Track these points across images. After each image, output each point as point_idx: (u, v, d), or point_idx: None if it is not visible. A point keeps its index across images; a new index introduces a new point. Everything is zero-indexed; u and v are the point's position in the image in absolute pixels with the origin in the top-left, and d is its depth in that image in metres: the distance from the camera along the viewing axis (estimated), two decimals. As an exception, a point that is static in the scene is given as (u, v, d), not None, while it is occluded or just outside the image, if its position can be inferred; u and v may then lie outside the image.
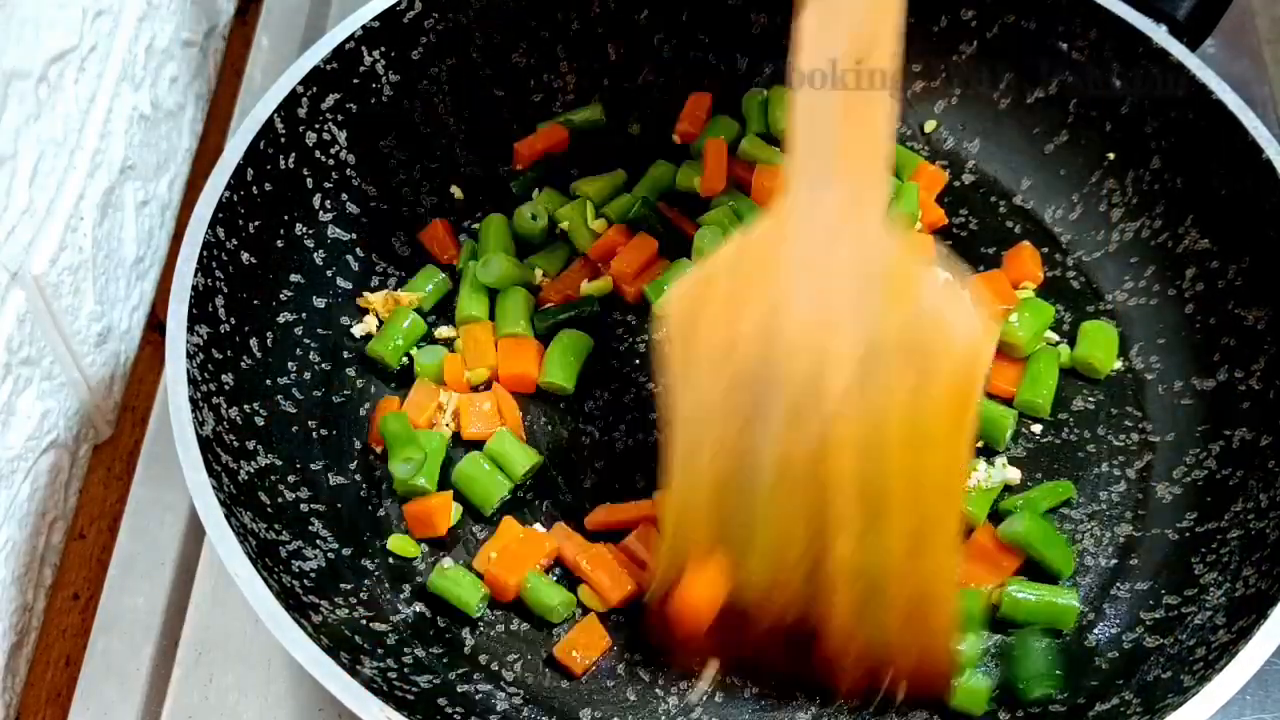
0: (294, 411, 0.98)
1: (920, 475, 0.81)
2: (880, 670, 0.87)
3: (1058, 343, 1.05)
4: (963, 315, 0.79)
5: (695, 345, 0.82)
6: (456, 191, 1.13)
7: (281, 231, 1.01)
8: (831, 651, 0.86)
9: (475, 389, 1.02)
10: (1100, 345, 1.04)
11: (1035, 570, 0.95)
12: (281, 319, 1.00)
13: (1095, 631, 0.93)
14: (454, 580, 0.93)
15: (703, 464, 0.84)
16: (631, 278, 1.07)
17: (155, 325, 1.20)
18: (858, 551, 0.82)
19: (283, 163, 1.01)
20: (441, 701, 0.87)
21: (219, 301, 0.95)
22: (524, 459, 0.98)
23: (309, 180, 1.04)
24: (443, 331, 1.06)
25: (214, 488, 0.84)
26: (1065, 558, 0.94)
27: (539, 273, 1.08)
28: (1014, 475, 0.99)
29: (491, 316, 1.05)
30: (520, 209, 1.10)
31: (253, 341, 0.97)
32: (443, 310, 1.07)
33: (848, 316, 0.79)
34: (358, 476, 0.99)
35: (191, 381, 0.88)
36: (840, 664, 0.87)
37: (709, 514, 0.85)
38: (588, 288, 1.07)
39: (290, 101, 1.01)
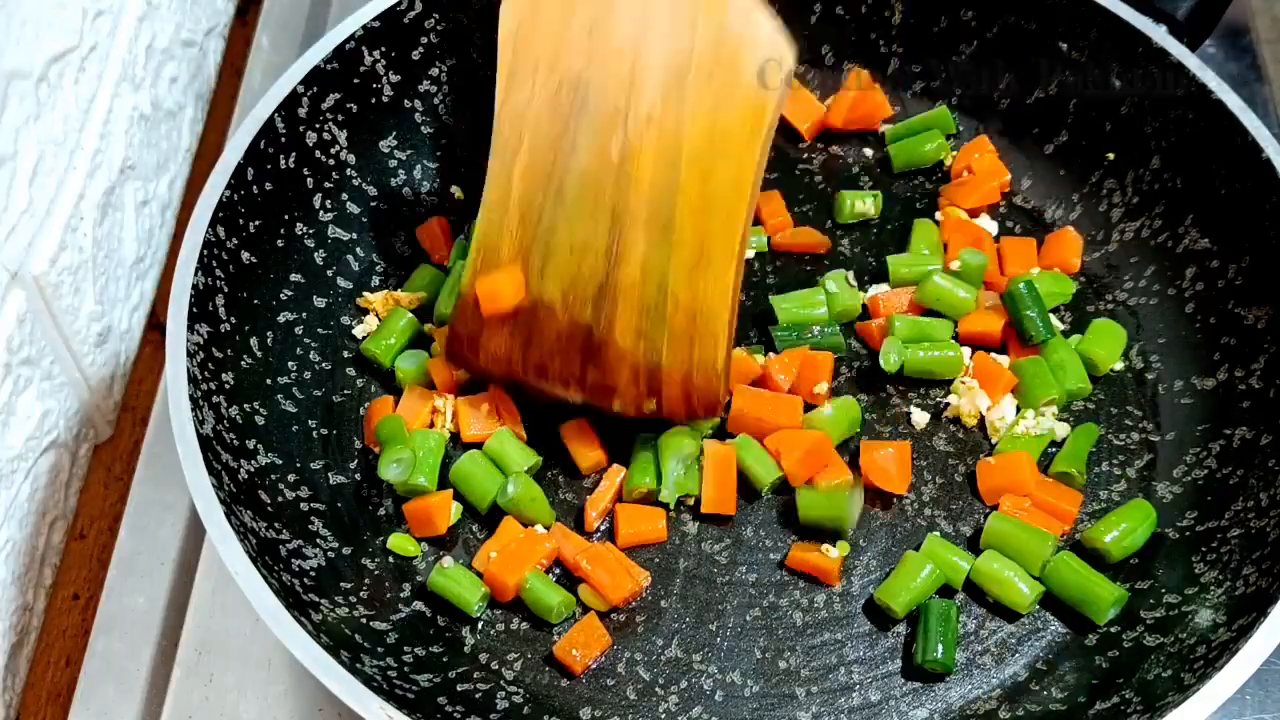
0: (294, 411, 0.98)
1: (708, 191, 0.88)
2: (655, 386, 0.93)
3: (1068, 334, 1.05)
4: (768, 38, 0.85)
5: (524, 49, 0.90)
6: (456, 191, 1.13)
7: (282, 231, 1.02)
8: (611, 362, 0.92)
9: (465, 387, 1.02)
10: (1105, 343, 1.04)
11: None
12: (282, 319, 1.01)
13: (1095, 630, 0.93)
14: (454, 579, 0.93)
15: (520, 163, 0.92)
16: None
17: (155, 325, 1.20)
18: (644, 263, 0.90)
19: (283, 162, 1.01)
20: (441, 700, 0.87)
21: (219, 301, 0.95)
22: (523, 459, 0.97)
23: (309, 180, 1.04)
24: (431, 328, 1.05)
25: (214, 487, 0.85)
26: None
27: None
28: (1062, 429, 1.00)
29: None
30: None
31: (253, 341, 0.97)
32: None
33: (664, 25, 0.86)
34: (358, 476, 0.99)
35: (191, 381, 0.88)
36: (618, 377, 0.93)
37: (519, 213, 0.92)
38: None
39: (290, 101, 1.01)
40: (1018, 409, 1.01)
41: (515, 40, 0.90)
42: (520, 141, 0.91)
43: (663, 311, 0.90)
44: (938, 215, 1.11)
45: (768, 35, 0.85)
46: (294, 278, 1.02)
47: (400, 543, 0.95)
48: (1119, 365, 1.04)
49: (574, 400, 0.95)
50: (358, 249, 1.07)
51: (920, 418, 1.02)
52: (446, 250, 1.09)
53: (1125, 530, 0.94)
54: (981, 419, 1.01)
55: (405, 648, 0.90)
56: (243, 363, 0.96)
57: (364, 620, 0.90)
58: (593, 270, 0.91)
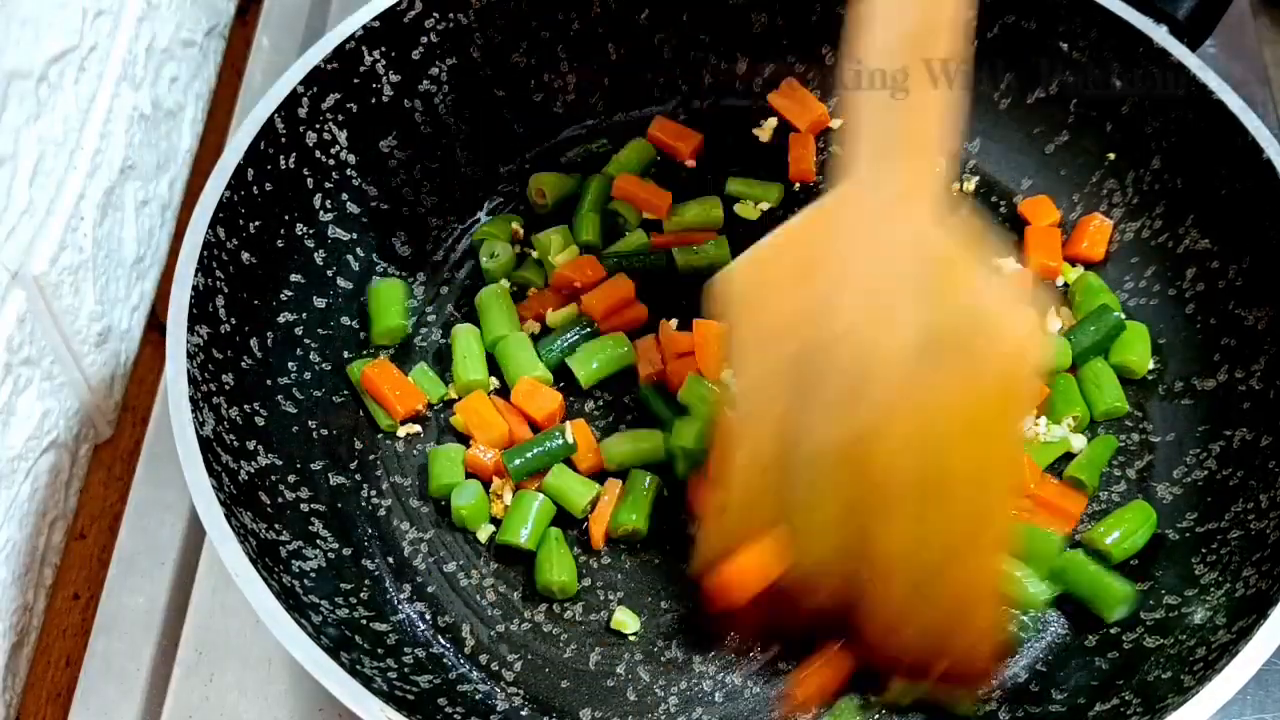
0: (294, 411, 0.98)
1: (968, 471, 0.81)
2: (922, 664, 0.87)
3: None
4: (1018, 317, 0.79)
5: (754, 323, 0.83)
6: (457, 191, 1.13)
7: (282, 231, 1.01)
8: (875, 635, 0.87)
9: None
10: (1135, 349, 1.03)
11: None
12: (282, 319, 1.00)
13: (1096, 631, 0.93)
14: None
15: (760, 439, 0.84)
16: (602, 315, 1.05)
17: (155, 325, 1.20)
18: (903, 543, 0.83)
19: (283, 163, 1.01)
20: (441, 701, 0.87)
21: (219, 301, 0.95)
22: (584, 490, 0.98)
23: (309, 180, 1.04)
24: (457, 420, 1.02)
25: (214, 488, 0.84)
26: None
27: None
28: (1078, 442, 1.00)
29: (492, 372, 1.04)
30: (482, 248, 1.09)
31: (253, 341, 0.97)
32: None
33: (901, 302, 0.79)
34: (358, 476, 0.99)
35: (192, 381, 0.88)
36: (884, 649, 0.87)
37: (763, 490, 0.86)
38: (553, 317, 1.06)
39: (291, 101, 1.01)
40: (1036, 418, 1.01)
41: (748, 311, 0.83)
42: (762, 412, 0.84)
43: (922, 595, 0.84)
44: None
45: (1016, 316, 0.78)
46: (294, 278, 1.02)
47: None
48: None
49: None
50: (358, 249, 1.07)
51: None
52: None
53: (1126, 532, 0.94)
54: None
55: (405, 649, 0.90)
56: (243, 363, 0.96)
57: (364, 621, 0.90)
58: (844, 546, 0.85)
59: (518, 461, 0.98)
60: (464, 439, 1.01)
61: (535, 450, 0.98)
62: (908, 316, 0.79)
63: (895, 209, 0.78)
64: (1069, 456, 1.00)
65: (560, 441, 0.98)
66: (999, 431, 0.81)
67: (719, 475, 0.87)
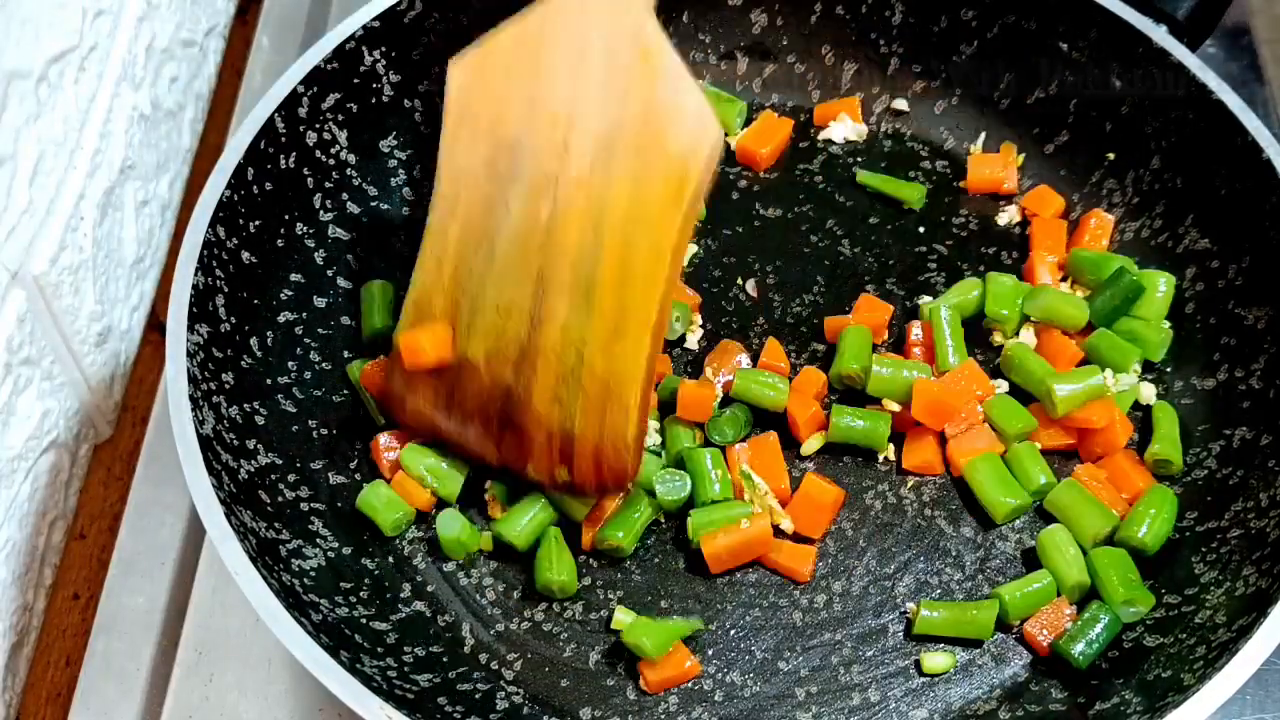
0: (294, 411, 0.98)
1: (628, 261, 0.88)
2: (567, 453, 0.92)
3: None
4: (695, 111, 0.86)
5: (467, 113, 0.92)
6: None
7: (282, 231, 1.02)
8: (528, 427, 0.93)
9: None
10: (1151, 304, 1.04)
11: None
12: (282, 319, 1.00)
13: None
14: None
15: (456, 221, 0.93)
16: None
17: (155, 325, 1.20)
18: (564, 329, 0.90)
19: (283, 162, 1.01)
20: (441, 700, 0.87)
21: (219, 301, 0.95)
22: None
23: (309, 180, 1.04)
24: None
25: (214, 487, 0.85)
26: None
27: None
28: (1148, 391, 1.01)
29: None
30: None
31: (253, 341, 0.97)
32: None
33: (596, 96, 0.88)
34: (358, 476, 0.99)
35: (191, 380, 0.88)
36: (533, 442, 0.93)
37: (452, 269, 0.93)
38: None
39: (291, 101, 1.01)
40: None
41: (459, 102, 0.92)
42: (458, 200, 0.92)
43: (578, 378, 0.90)
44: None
45: (695, 109, 0.86)
46: (294, 278, 1.02)
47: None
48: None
49: (491, 462, 0.96)
50: (358, 249, 1.07)
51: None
52: None
53: (1155, 516, 0.94)
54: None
55: (405, 648, 0.90)
56: (243, 363, 0.96)
57: (364, 620, 0.90)
58: (516, 332, 0.91)
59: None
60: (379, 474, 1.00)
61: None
62: (600, 106, 0.88)
63: (608, 8, 0.88)
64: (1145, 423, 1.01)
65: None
66: (662, 225, 0.88)
67: (420, 260, 0.95)
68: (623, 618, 0.93)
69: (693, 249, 1.11)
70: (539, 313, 0.90)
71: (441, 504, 0.98)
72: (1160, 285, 1.03)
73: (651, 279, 0.88)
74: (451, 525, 0.95)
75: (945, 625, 0.92)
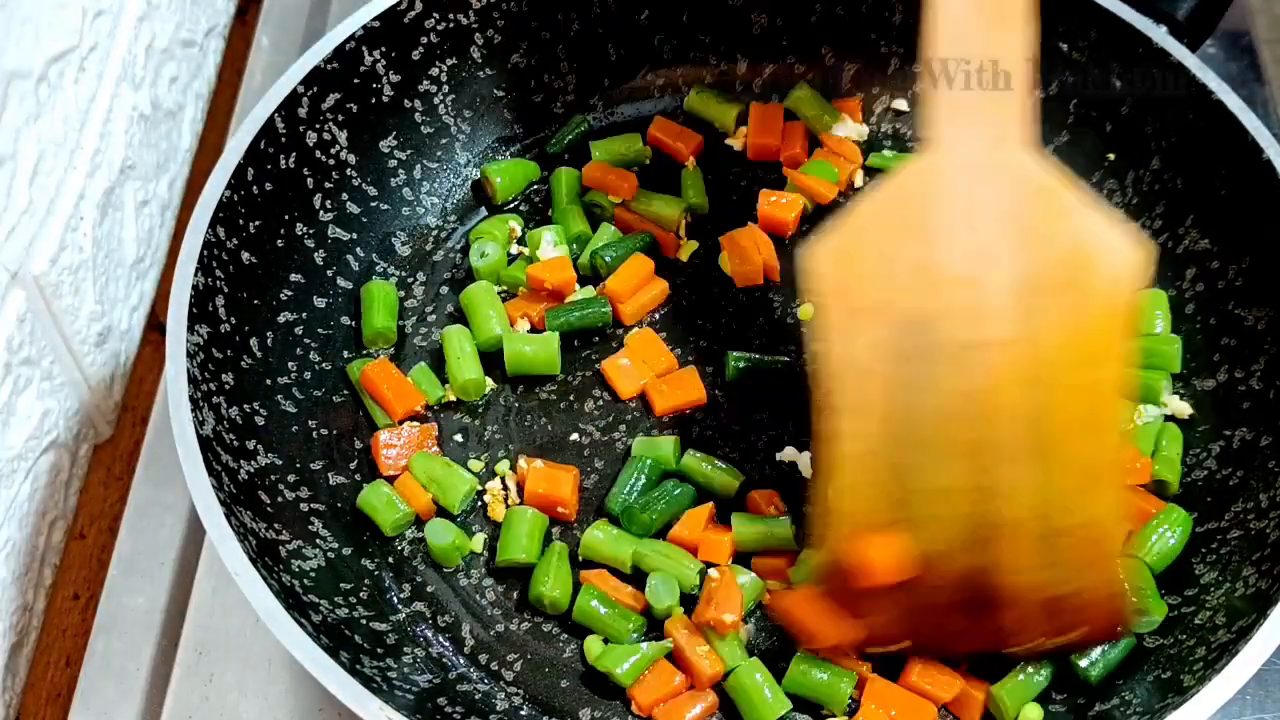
0: (294, 411, 0.98)
1: (1081, 405, 0.82)
2: (1059, 618, 0.86)
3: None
4: (1114, 239, 0.80)
5: (848, 297, 0.82)
6: (457, 191, 1.13)
7: (282, 231, 1.02)
8: (1011, 605, 0.85)
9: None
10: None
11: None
12: (282, 319, 1.00)
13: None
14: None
15: (865, 420, 0.83)
16: (627, 296, 1.06)
17: (155, 325, 1.20)
18: (1030, 493, 0.82)
19: (283, 162, 1.01)
20: (441, 701, 0.87)
21: (219, 301, 0.95)
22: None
23: (309, 180, 1.04)
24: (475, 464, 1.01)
25: (214, 487, 0.84)
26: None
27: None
28: (1180, 406, 1.01)
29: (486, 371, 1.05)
30: (472, 248, 1.08)
31: (253, 341, 0.97)
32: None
33: (1002, 246, 0.80)
34: (358, 476, 0.99)
35: (191, 381, 0.88)
36: (1019, 618, 0.86)
37: (876, 473, 0.83)
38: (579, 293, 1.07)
39: (291, 101, 1.01)
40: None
41: (836, 294, 0.82)
42: (865, 397, 0.82)
43: (1057, 540, 0.83)
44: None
45: (1107, 233, 0.80)
46: (294, 278, 1.02)
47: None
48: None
49: (967, 651, 0.89)
50: (358, 249, 1.07)
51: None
52: None
53: (1162, 536, 0.94)
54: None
55: (405, 648, 0.90)
56: (243, 363, 0.96)
57: (364, 621, 0.90)
58: (971, 515, 0.83)
59: (560, 319, 1.03)
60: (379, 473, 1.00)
61: (576, 312, 1.04)
62: (1010, 255, 0.80)
63: (987, 155, 0.80)
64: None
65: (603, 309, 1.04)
66: (1108, 361, 0.82)
67: (827, 470, 0.84)
68: (594, 646, 0.92)
69: (693, 245, 1.11)
70: (993, 486, 0.82)
71: (442, 512, 0.98)
72: (1156, 310, 1.04)
73: (1108, 419, 0.83)
74: (443, 535, 0.95)
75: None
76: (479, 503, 0.98)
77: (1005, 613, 0.85)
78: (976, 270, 0.81)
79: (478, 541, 0.96)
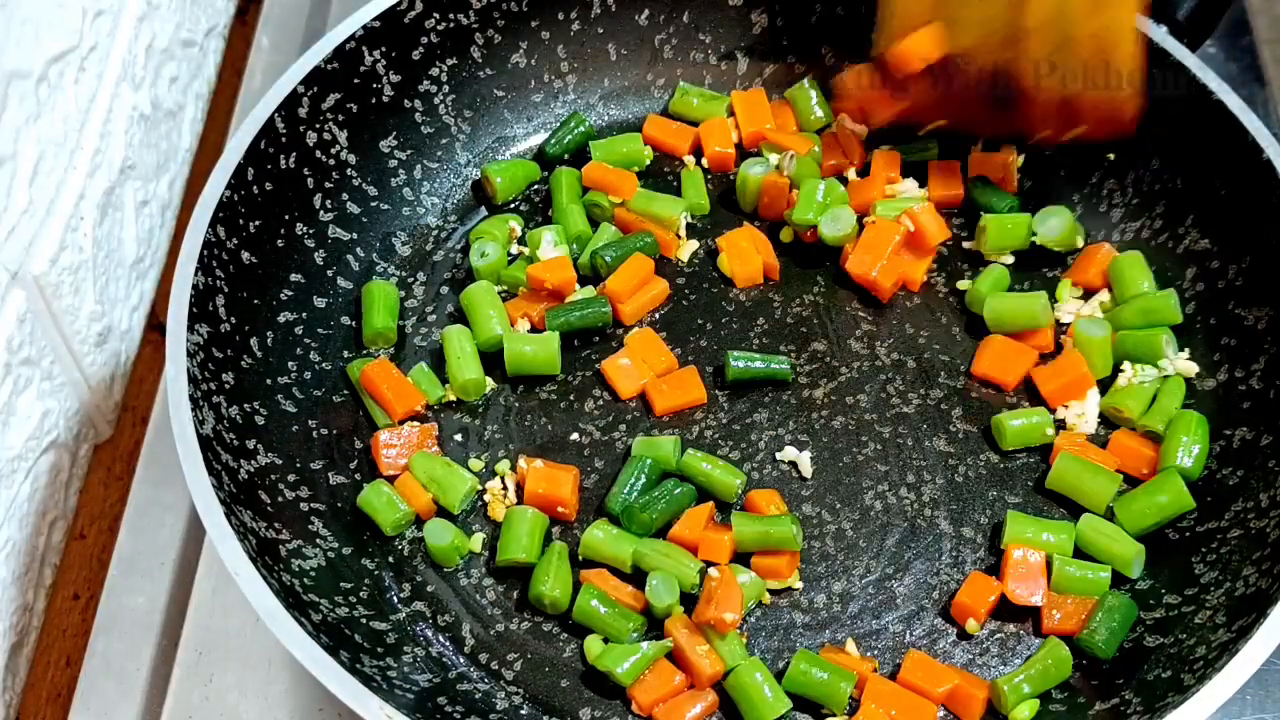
0: (294, 411, 0.98)
1: None
2: (1068, 114, 1.02)
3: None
4: None
5: None
6: (457, 191, 1.13)
7: (282, 231, 1.02)
8: (1027, 101, 1.01)
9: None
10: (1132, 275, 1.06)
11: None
12: (282, 319, 1.01)
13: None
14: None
15: None
16: (627, 296, 1.06)
17: (155, 325, 1.20)
18: (1051, 3, 0.97)
19: (283, 162, 1.01)
20: (441, 700, 0.87)
21: (219, 301, 0.95)
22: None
23: (309, 180, 1.04)
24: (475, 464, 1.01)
25: (214, 487, 0.85)
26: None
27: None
28: (1187, 366, 1.02)
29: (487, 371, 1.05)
30: (473, 248, 1.08)
31: (253, 341, 0.97)
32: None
33: None
34: (358, 476, 0.99)
35: (192, 380, 0.88)
36: (1034, 112, 1.02)
37: None
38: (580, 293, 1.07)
39: (291, 101, 1.01)
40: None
41: None
42: None
43: (1070, 46, 0.98)
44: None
45: None
46: (294, 278, 1.02)
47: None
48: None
49: (989, 134, 1.09)
50: (358, 249, 1.07)
51: (923, 417, 1.02)
52: None
53: (1190, 440, 0.97)
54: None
55: (405, 648, 0.90)
56: (243, 363, 0.96)
57: (364, 620, 0.90)
58: (1001, 17, 0.98)
59: (560, 319, 1.03)
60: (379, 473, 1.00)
61: (576, 312, 1.04)
62: None
63: None
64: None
65: (603, 309, 1.05)
66: None
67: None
68: (594, 645, 0.92)
69: (693, 245, 1.11)
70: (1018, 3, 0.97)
71: (442, 511, 0.98)
72: (1138, 271, 1.05)
73: None
74: (442, 535, 0.95)
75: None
76: (479, 502, 0.98)
77: (1021, 107, 1.02)
78: None
79: (477, 541, 0.96)
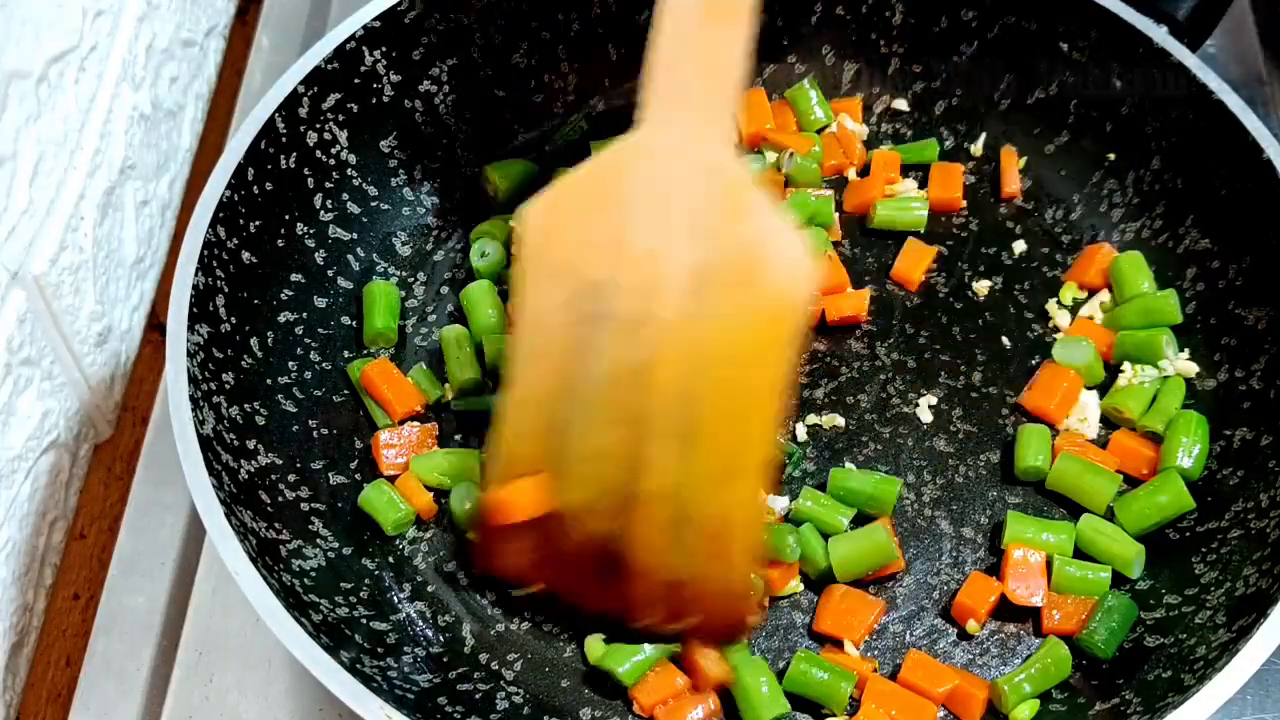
0: (294, 411, 0.98)
1: (734, 400, 0.84)
2: (679, 603, 0.88)
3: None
4: (791, 247, 0.82)
5: (545, 256, 0.86)
6: (457, 191, 1.13)
7: (282, 231, 1.02)
8: (636, 577, 0.88)
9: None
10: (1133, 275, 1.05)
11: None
12: (282, 319, 1.01)
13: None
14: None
15: (539, 372, 0.87)
16: None
17: (155, 325, 1.20)
18: (670, 473, 0.85)
19: (284, 162, 1.01)
20: (441, 700, 0.87)
21: (219, 301, 0.95)
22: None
23: (310, 180, 1.04)
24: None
25: (214, 487, 0.84)
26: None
27: None
28: (1187, 366, 1.01)
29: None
30: (473, 248, 1.08)
31: (253, 341, 0.97)
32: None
33: (684, 233, 0.83)
34: (358, 476, 0.99)
35: (192, 380, 0.88)
36: (642, 592, 0.88)
37: (540, 422, 0.88)
38: None
39: (291, 101, 1.01)
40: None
41: (535, 245, 0.86)
42: (539, 345, 0.87)
43: (686, 526, 0.85)
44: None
45: (787, 244, 0.82)
46: (294, 278, 1.02)
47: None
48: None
49: (594, 609, 0.92)
50: (358, 249, 1.07)
51: (924, 416, 1.02)
52: None
53: (1190, 441, 0.97)
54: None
55: (405, 648, 0.90)
56: (243, 363, 0.96)
57: (364, 620, 0.90)
58: (614, 480, 0.86)
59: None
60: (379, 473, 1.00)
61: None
62: (691, 244, 0.83)
63: (686, 145, 0.83)
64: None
65: None
66: (766, 364, 0.83)
67: (501, 411, 0.89)
68: (595, 646, 0.92)
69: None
70: (639, 459, 0.85)
71: (441, 513, 0.98)
72: (1138, 271, 1.05)
73: (758, 420, 0.84)
74: (468, 498, 0.96)
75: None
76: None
77: (629, 583, 0.88)
78: (657, 251, 0.83)
79: None
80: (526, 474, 0.88)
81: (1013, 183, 1.12)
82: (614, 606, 0.90)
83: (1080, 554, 0.95)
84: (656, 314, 0.83)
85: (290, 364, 1.00)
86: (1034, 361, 1.04)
